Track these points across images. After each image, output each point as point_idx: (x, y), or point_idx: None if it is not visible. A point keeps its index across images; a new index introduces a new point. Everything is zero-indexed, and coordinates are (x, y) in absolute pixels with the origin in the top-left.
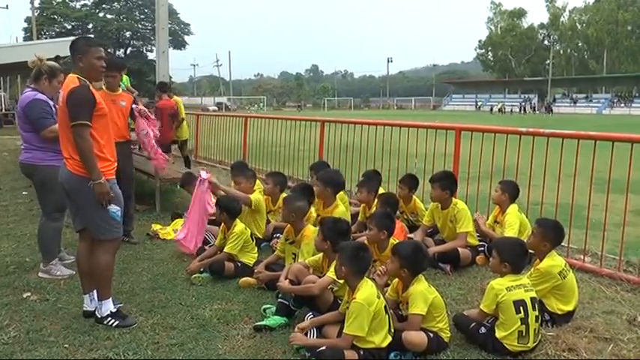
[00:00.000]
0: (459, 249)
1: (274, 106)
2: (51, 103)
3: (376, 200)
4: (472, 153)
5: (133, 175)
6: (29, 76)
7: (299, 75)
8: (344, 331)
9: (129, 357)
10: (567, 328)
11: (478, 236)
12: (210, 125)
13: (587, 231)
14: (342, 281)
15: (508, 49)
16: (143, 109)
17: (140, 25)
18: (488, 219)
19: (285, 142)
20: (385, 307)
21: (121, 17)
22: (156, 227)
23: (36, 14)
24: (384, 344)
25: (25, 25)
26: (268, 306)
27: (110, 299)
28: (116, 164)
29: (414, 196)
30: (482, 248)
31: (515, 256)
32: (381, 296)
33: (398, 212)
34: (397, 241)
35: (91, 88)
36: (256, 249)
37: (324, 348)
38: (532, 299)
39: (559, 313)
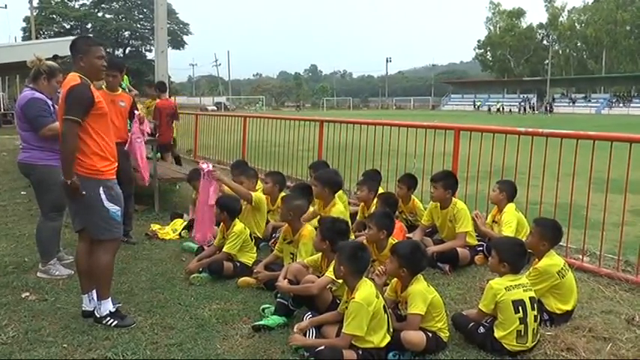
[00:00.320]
0: (458, 249)
1: (273, 106)
2: (49, 102)
3: (375, 200)
4: (471, 153)
5: (133, 175)
6: (28, 76)
7: (298, 75)
8: (343, 330)
9: (127, 357)
10: (566, 328)
11: (477, 236)
12: (209, 125)
13: (586, 231)
14: (340, 281)
15: (507, 49)
16: (142, 116)
17: (139, 25)
18: (486, 219)
19: (284, 142)
20: (384, 306)
21: (120, 17)
22: (155, 227)
23: (35, 14)
24: (383, 344)
25: (24, 24)
26: (267, 306)
27: (109, 299)
28: (117, 164)
29: (412, 196)
30: (481, 248)
31: (514, 256)
32: (380, 296)
33: (397, 212)
34: (396, 240)
35: (91, 87)
36: (255, 249)
37: (322, 348)
38: (531, 299)
39: (558, 312)
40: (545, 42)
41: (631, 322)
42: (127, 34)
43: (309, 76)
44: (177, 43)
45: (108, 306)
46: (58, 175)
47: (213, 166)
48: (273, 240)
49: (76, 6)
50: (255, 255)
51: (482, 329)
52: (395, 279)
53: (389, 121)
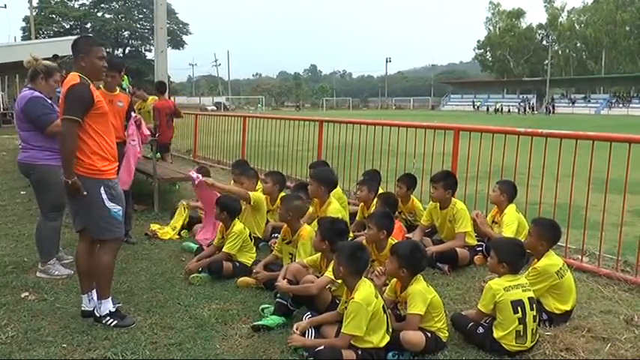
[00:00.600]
0: (457, 249)
1: (273, 106)
2: (49, 101)
3: (375, 200)
4: (470, 153)
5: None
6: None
7: (297, 75)
8: (342, 330)
9: (127, 357)
10: (565, 328)
11: (476, 236)
12: (208, 125)
13: (585, 231)
14: (340, 281)
15: (507, 49)
16: (139, 119)
17: (138, 25)
18: (486, 219)
19: (284, 142)
20: (383, 306)
21: (120, 17)
22: (154, 227)
23: (34, 14)
24: (382, 344)
25: (24, 24)
26: (266, 306)
27: (110, 299)
28: (117, 164)
29: (412, 196)
30: (481, 248)
31: (513, 256)
32: (379, 296)
33: (396, 212)
34: (395, 240)
35: (91, 87)
36: (255, 249)
37: (322, 348)
38: (530, 299)
39: (557, 312)
40: (544, 42)
41: (630, 322)
42: (126, 34)
43: (308, 76)
44: (176, 43)
45: (108, 305)
46: (58, 174)
47: (208, 168)
48: (272, 240)
49: (76, 6)
50: (255, 255)
51: (481, 329)
52: (394, 279)
53: (388, 121)
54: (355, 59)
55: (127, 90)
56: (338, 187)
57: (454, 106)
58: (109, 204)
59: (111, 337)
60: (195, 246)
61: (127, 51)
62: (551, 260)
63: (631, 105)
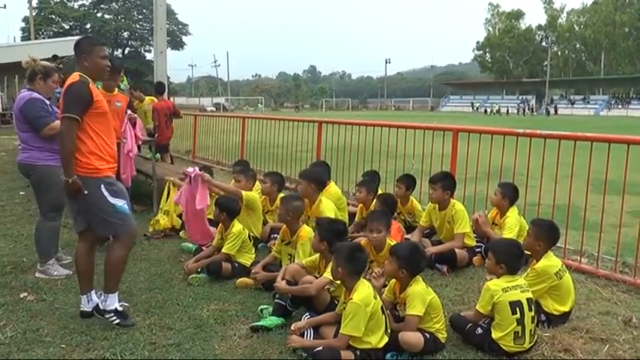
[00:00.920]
0: (456, 250)
1: (272, 106)
2: (47, 102)
3: (374, 200)
4: (469, 154)
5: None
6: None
7: (297, 76)
8: (340, 331)
9: (126, 357)
10: (563, 329)
11: (475, 237)
12: (208, 126)
13: (584, 232)
14: (338, 282)
15: (506, 50)
16: (134, 117)
17: (138, 26)
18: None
19: (283, 143)
20: (382, 307)
21: (119, 17)
22: (151, 228)
23: (34, 14)
24: (381, 345)
25: (23, 24)
26: (265, 306)
27: (116, 294)
28: (116, 165)
29: (411, 197)
30: (479, 249)
31: (511, 257)
32: (378, 297)
33: (395, 213)
34: (394, 242)
35: (90, 85)
36: (254, 249)
37: (320, 348)
38: (528, 300)
39: (555, 313)
40: (544, 43)
41: (628, 323)
42: (126, 34)
43: (308, 77)
44: (176, 43)
45: (114, 301)
46: (58, 175)
47: (201, 169)
48: (271, 241)
49: (75, 6)
50: (254, 256)
51: (479, 330)
52: (393, 280)
53: (388, 122)
54: (355, 60)
55: (125, 90)
56: (337, 187)
57: (453, 107)
58: (112, 200)
59: (110, 337)
60: (193, 246)
61: (126, 51)
62: (550, 261)
63: (630, 106)
